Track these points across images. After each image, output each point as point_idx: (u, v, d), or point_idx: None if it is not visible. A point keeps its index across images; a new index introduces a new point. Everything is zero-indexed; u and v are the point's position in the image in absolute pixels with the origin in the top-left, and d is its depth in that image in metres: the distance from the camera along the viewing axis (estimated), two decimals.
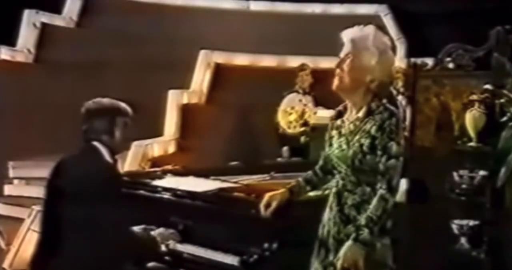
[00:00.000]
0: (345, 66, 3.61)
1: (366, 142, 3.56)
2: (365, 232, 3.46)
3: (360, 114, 3.63)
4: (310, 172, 3.91)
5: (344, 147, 3.64)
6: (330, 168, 3.79)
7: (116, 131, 3.89)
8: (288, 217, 3.89)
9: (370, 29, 3.66)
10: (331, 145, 3.73)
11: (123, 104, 3.96)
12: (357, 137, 3.60)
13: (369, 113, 3.60)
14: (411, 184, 5.12)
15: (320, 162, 3.88)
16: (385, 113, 3.57)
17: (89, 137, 3.88)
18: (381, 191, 3.50)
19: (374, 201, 3.50)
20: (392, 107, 3.64)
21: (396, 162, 3.52)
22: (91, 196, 3.67)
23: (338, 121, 3.74)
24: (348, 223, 3.60)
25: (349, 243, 3.48)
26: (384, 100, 3.66)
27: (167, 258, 4.38)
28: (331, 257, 3.62)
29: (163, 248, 4.24)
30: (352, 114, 3.67)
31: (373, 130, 3.55)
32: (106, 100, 3.95)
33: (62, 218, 3.77)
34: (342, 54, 3.65)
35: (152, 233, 4.14)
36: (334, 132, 3.73)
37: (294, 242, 3.90)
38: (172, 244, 4.27)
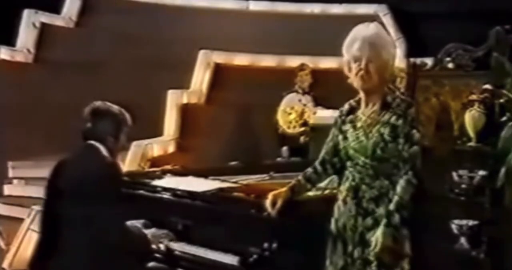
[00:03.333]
0: (371, 68, 3.66)
1: (386, 130, 3.65)
2: (396, 217, 3.56)
3: (377, 107, 3.71)
4: (309, 169, 3.94)
5: (362, 138, 3.70)
6: (336, 161, 3.84)
7: (121, 136, 3.93)
8: (291, 216, 3.90)
9: (378, 27, 3.75)
10: (345, 138, 3.77)
11: (127, 114, 4.00)
12: (376, 128, 3.68)
13: (386, 106, 3.70)
14: None
15: (321, 156, 3.91)
16: (403, 104, 3.69)
17: (92, 135, 3.88)
18: (407, 176, 3.61)
19: (401, 186, 3.60)
20: (408, 98, 3.80)
21: (418, 149, 3.66)
22: (95, 195, 3.68)
23: (351, 116, 3.78)
24: (366, 216, 3.67)
25: (381, 229, 3.56)
26: (397, 93, 3.75)
27: (166, 258, 4.38)
28: (351, 249, 3.68)
29: (159, 247, 4.25)
30: (368, 109, 3.74)
31: (392, 120, 3.65)
32: (115, 106, 3.98)
33: (63, 218, 3.77)
34: (360, 55, 3.67)
35: (144, 231, 4.16)
36: (348, 125, 3.78)
37: (294, 242, 3.90)
38: (165, 243, 4.28)
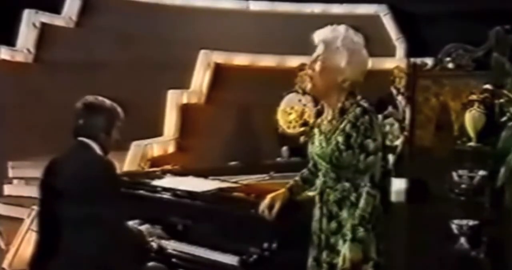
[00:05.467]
0: (316, 67, 3.65)
1: (340, 139, 3.60)
2: (360, 231, 3.52)
3: (335, 113, 3.68)
4: (305, 170, 3.95)
5: (324, 144, 3.68)
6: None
7: (113, 131, 3.90)
8: (290, 217, 3.90)
9: (341, 29, 3.70)
10: (313, 143, 3.77)
11: (119, 108, 3.97)
12: (334, 135, 3.64)
13: (343, 112, 3.65)
14: (411, 184, 5.13)
15: (311, 161, 3.91)
16: (357, 110, 3.62)
17: (84, 132, 3.85)
18: (366, 189, 3.56)
19: (362, 199, 3.56)
20: (365, 104, 3.67)
21: (375, 158, 3.59)
22: (89, 193, 3.67)
23: (319, 120, 3.78)
24: (331, 219, 3.66)
25: (347, 244, 3.53)
26: (358, 97, 3.69)
27: (166, 258, 4.38)
28: (317, 254, 3.68)
29: (152, 243, 4.25)
30: (329, 114, 3.72)
31: (347, 128, 3.60)
32: (106, 100, 3.95)
33: (59, 217, 3.76)
34: (314, 55, 3.68)
35: (139, 227, 4.16)
36: (315, 130, 3.78)
37: (294, 242, 3.90)
38: (156, 241, 4.27)
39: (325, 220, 3.67)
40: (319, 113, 3.81)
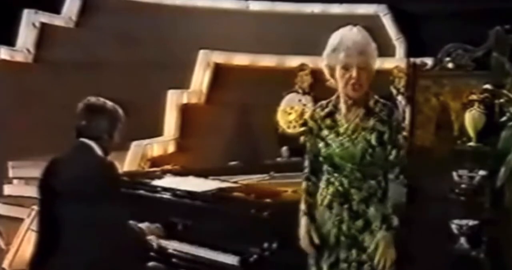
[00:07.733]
0: (362, 77, 3.65)
1: (372, 136, 3.65)
2: (395, 220, 3.58)
3: (360, 113, 3.68)
4: (308, 183, 3.84)
5: (347, 144, 3.67)
6: (319, 169, 3.80)
7: (115, 133, 3.90)
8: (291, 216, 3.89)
9: (359, 31, 3.73)
10: (328, 144, 3.73)
11: (120, 110, 3.98)
12: (362, 134, 3.65)
13: (369, 111, 3.68)
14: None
15: (309, 166, 3.85)
16: (385, 109, 3.69)
17: (86, 133, 3.85)
18: (400, 180, 3.63)
19: (396, 189, 3.61)
20: (389, 103, 3.76)
21: (404, 152, 3.70)
22: (90, 194, 3.67)
23: (328, 121, 3.75)
24: (357, 218, 3.67)
25: (383, 233, 3.58)
26: (376, 96, 3.72)
27: (166, 258, 4.38)
28: (342, 255, 3.68)
29: (151, 241, 4.25)
30: (351, 114, 3.70)
31: (378, 126, 3.65)
32: (107, 101, 3.95)
33: (59, 218, 3.77)
34: (350, 62, 3.65)
35: (140, 225, 4.16)
36: (326, 132, 3.74)
37: (294, 242, 3.90)
38: (154, 240, 4.27)
39: (350, 220, 3.67)
40: (330, 114, 3.78)
